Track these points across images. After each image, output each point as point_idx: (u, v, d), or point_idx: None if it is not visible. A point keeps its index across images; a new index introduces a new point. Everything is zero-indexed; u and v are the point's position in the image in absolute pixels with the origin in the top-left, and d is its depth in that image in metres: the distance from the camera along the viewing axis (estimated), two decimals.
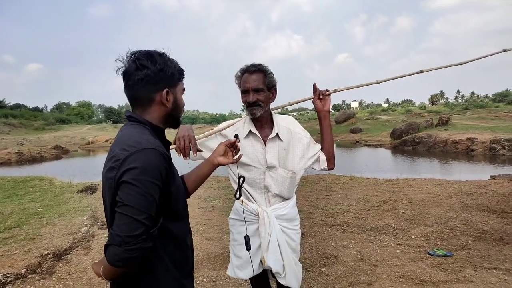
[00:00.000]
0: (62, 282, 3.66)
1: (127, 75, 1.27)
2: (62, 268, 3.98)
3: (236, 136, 1.68)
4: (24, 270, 3.88)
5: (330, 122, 2.13)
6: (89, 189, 8.12)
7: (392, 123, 35.30)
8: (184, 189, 1.51)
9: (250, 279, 2.25)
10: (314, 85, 2.06)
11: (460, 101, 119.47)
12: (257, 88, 1.94)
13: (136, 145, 1.14)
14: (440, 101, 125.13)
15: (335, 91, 2.07)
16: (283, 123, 2.08)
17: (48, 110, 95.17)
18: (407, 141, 24.02)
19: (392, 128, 29.80)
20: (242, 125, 2.06)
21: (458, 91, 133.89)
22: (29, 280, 3.69)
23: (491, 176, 9.92)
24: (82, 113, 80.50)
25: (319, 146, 2.13)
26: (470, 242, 4.48)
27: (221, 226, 5.39)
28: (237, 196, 1.81)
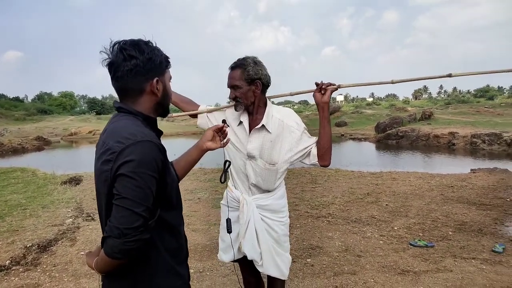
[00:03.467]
0: (48, 273, 3.64)
1: (114, 67, 1.23)
2: (47, 259, 3.95)
3: (224, 121, 1.72)
4: (8, 261, 3.84)
5: (328, 115, 2.03)
6: (73, 181, 8.02)
7: (376, 117, 35.71)
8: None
9: (240, 266, 2.33)
10: (316, 82, 2.01)
11: (443, 96, 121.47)
12: (233, 85, 1.98)
13: (132, 137, 1.13)
14: (424, 96, 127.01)
15: (340, 86, 1.98)
16: (277, 115, 2.05)
17: (29, 100, 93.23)
18: (391, 135, 24.36)
19: (376, 122, 30.16)
20: (239, 114, 2.08)
21: (441, 86, 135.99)
22: (13, 271, 3.66)
23: (471, 170, 10.16)
24: (65, 104, 79.02)
25: (313, 139, 2.08)
26: (450, 233, 4.61)
27: (207, 218, 5.41)
28: (222, 179, 1.86)
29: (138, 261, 1.20)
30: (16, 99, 79.31)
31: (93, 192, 7.12)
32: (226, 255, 2.22)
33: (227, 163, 1.82)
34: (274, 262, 2.11)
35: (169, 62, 1.34)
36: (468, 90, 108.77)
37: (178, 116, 2.26)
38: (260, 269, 2.12)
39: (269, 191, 2.12)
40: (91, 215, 5.52)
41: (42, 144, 27.51)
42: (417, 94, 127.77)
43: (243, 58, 2.00)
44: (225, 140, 1.68)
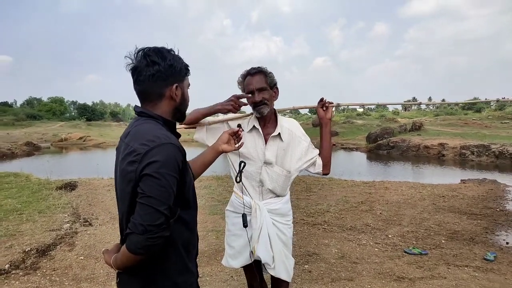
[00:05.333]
0: (48, 277, 3.65)
1: (137, 71, 1.31)
2: (47, 264, 3.95)
3: (239, 125, 1.83)
4: (7, 265, 3.83)
5: (330, 130, 2.28)
6: (68, 186, 7.99)
7: (367, 127, 36.06)
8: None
9: (245, 270, 2.36)
10: (321, 98, 2.23)
11: (432, 108, 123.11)
12: (261, 87, 2.07)
13: (156, 140, 1.20)
14: (413, 108, 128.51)
15: (338, 105, 2.25)
16: (286, 125, 2.20)
17: (18, 105, 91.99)
18: (382, 145, 24.67)
19: (367, 132, 30.47)
20: (247, 121, 2.18)
21: (430, 98, 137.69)
22: (13, 275, 3.66)
23: (461, 180, 10.39)
24: (54, 109, 78.11)
25: (317, 151, 2.26)
26: (443, 241, 4.73)
27: (204, 224, 5.45)
28: (238, 179, 1.94)
29: (156, 257, 1.26)
30: (5, 104, 78.26)
31: (89, 197, 7.12)
32: (235, 261, 2.25)
33: (242, 164, 1.89)
34: (284, 265, 2.19)
35: (189, 70, 1.43)
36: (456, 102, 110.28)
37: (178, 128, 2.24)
38: (271, 272, 2.18)
39: (280, 196, 2.20)
40: (88, 220, 5.52)
41: (32, 149, 27.21)
42: (406, 106, 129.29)
43: (259, 66, 2.12)
44: (239, 143, 1.79)
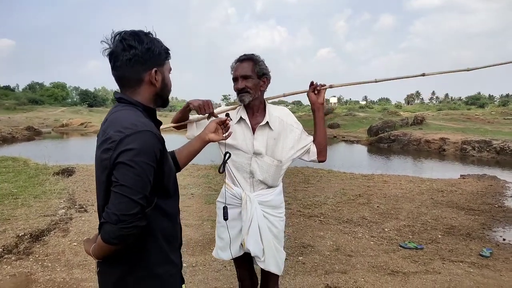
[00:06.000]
0: (40, 263, 3.63)
1: (114, 56, 1.26)
2: (40, 249, 3.94)
3: (227, 114, 1.76)
4: None
5: (323, 115, 2.19)
6: (66, 172, 7.97)
7: (369, 120, 35.94)
8: (175, 165, 1.55)
9: (235, 262, 2.32)
10: (312, 82, 2.13)
11: (435, 102, 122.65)
12: (245, 75, 2.00)
13: (132, 127, 1.16)
14: (416, 101, 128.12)
15: (331, 86, 2.11)
16: (276, 113, 2.13)
17: (20, 89, 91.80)
18: (383, 138, 24.56)
19: (369, 125, 30.35)
20: (236, 111, 2.12)
21: (433, 92, 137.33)
22: (5, 260, 3.64)
23: (461, 175, 10.33)
24: (56, 95, 78.04)
25: (311, 138, 2.19)
26: (439, 236, 4.70)
27: (200, 213, 5.43)
28: (221, 170, 1.87)
29: (134, 247, 1.23)
30: (7, 87, 78.08)
31: (86, 183, 7.10)
32: (224, 253, 2.20)
33: (227, 154, 1.84)
34: (274, 258, 2.15)
35: (169, 54, 1.37)
36: (460, 97, 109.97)
37: (167, 127, 2.09)
38: (261, 265, 2.14)
39: (272, 187, 2.15)
40: (84, 206, 5.50)
41: (33, 134, 27.29)
42: (409, 99, 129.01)
43: (251, 54, 2.05)
44: (227, 133, 1.74)
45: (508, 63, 1.98)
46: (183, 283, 1.44)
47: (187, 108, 2.01)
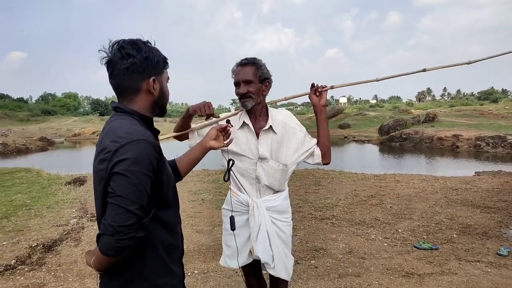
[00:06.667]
0: (53, 273, 3.65)
1: (111, 65, 1.26)
2: (52, 259, 3.96)
3: (228, 121, 1.74)
4: (13, 261, 3.86)
5: (326, 117, 2.17)
6: (77, 181, 8.06)
7: (379, 119, 35.66)
8: (176, 174, 1.54)
9: (243, 269, 2.28)
10: (313, 83, 2.11)
11: (447, 98, 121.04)
12: (247, 79, 1.98)
13: (127, 137, 1.14)
14: (427, 98, 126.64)
15: (332, 87, 2.09)
16: (279, 117, 2.11)
17: (33, 101, 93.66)
18: (394, 137, 24.31)
19: (379, 124, 30.11)
20: (238, 116, 2.10)
21: (445, 89, 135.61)
22: (18, 271, 3.68)
23: (475, 172, 10.16)
24: (68, 105, 79.35)
25: (314, 140, 2.16)
26: (455, 236, 4.60)
27: (211, 219, 5.42)
28: (226, 178, 1.86)
29: (134, 259, 1.22)
30: (20, 99, 79.75)
31: None
32: (233, 261, 2.16)
33: (231, 161, 1.82)
34: (283, 264, 2.11)
35: (167, 63, 1.36)
36: (472, 93, 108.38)
37: (167, 137, 2.07)
38: (271, 272, 2.10)
39: (278, 192, 2.12)
40: (95, 215, 5.54)
41: (46, 144, 27.66)
42: (420, 97, 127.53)
43: (252, 57, 2.03)
44: (228, 140, 1.72)
45: (509, 52, 1.94)
46: None
47: (188, 114, 1.99)
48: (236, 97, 2.06)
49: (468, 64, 1.98)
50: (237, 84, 2.02)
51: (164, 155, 1.31)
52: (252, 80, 1.98)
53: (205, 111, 1.86)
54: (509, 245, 4.24)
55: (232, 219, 2.00)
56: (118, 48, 1.24)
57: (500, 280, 3.39)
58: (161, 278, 1.28)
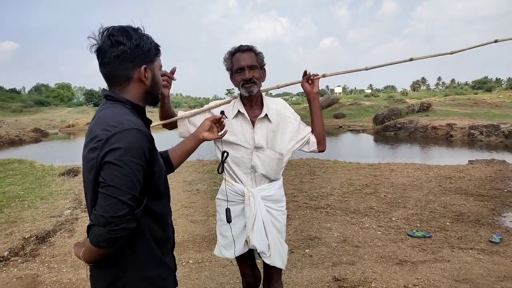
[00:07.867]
0: (46, 264, 3.64)
1: (101, 53, 1.21)
2: (46, 250, 3.95)
3: (222, 112, 1.69)
4: (6, 253, 3.84)
5: (320, 105, 2.16)
6: (71, 172, 8.01)
7: (374, 109, 35.69)
8: (168, 165, 1.52)
9: (237, 258, 2.28)
10: (305, 71, 2.09)
11: (441, 88, 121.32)
12: (252, 65, 1.95)
13: (119, 125, 1.11)
14: (422, 88, 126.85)
15: (324, 75, 2.09)
16: (273, 105, 2.08)
17: (26, 91, 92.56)
18: (389, 126, 24.37)
19: (374, 114, 30.11)
20: (232, 105, 2.07)
21: (439, 78, 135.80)
22: (12, 262, 3.66)
23: (469, 161, 10.20)
24: (62, 95, 78.63)
25: (309, 128, 2.15)
26: (448, 224, 4.64)
27: (206, 209, 5.42)
28: (220, 170, 1.83)
29: (125, 250, 1.20)
30: (13, 90, 78.85)
31: None
32: (229, 251, 2.14)
33: (225, 153, 1.80)
34: (279, 253, 2.11)
35: (159, 50, 1.32)
36: (466, 82, 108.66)
37: (155, 125, 2.06)
38: (267, 261, 2.09)
39: (273, 181, 2.11)
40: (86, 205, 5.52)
41: (40, 135, 27.48)
42: (415, 86, 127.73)
43: (251, 45, 2.01)
44: (222, 131, 1.68)
45: (490, 43, 2.03)
46: (176, 285, 1.40)
47: (161, 97, 1.83)
48: (232, 87, 2.02)
49: (451, 54, 2.05)
50: (240, 69, 1.96)
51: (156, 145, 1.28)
52: (256, 65, 1.97)
53: (169, 78, 1.73)
54: (501, 232, 4.29)
55: (228, 211, 1.98)
56: (107, 36, 1.20)
57: (492, 267, 3.42)
58: (153, 270, 1.27)
